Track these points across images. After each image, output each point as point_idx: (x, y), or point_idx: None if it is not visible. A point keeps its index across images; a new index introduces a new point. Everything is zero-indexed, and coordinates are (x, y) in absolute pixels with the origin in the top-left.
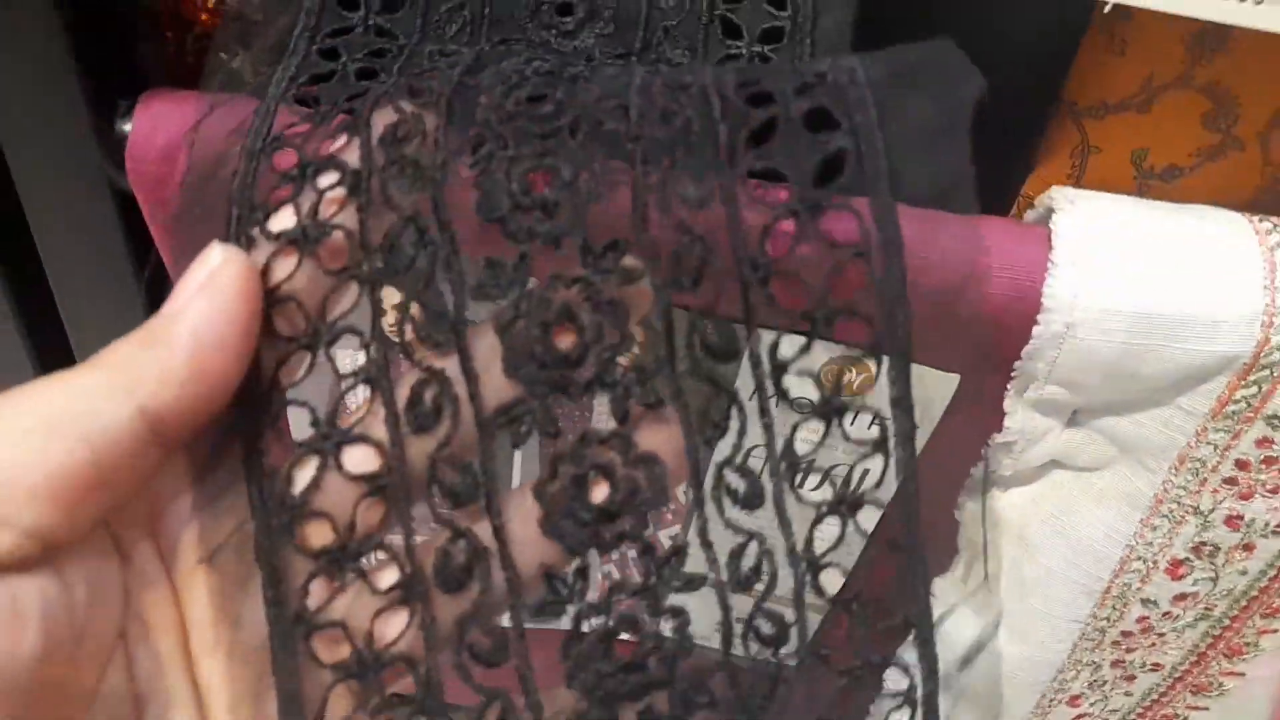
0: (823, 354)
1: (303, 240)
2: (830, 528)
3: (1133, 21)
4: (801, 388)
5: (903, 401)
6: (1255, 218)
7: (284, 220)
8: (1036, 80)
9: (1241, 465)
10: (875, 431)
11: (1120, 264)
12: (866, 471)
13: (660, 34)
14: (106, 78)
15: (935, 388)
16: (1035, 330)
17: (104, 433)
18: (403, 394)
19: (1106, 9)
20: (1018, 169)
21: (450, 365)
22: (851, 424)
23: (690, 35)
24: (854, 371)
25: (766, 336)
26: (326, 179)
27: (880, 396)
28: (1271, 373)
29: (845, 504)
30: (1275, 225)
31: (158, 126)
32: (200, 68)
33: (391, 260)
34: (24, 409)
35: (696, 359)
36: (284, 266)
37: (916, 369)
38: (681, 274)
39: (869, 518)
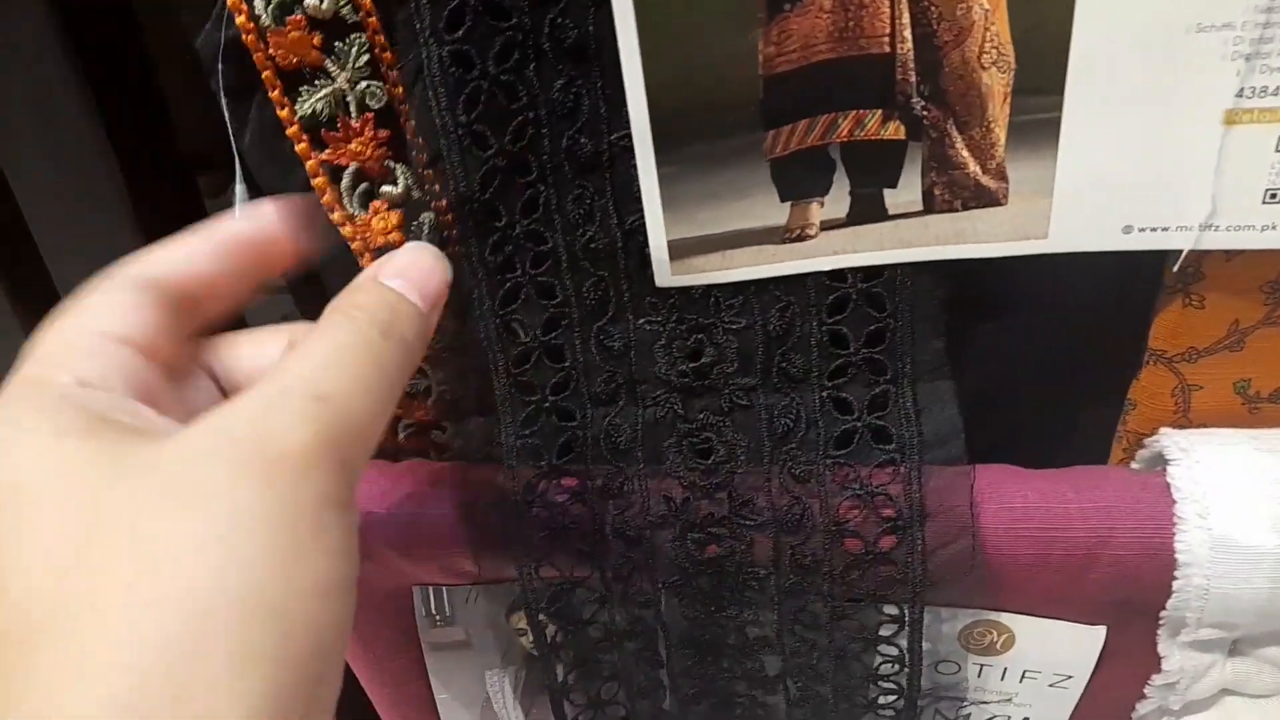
0: (965, 617)
1: None
2: None
3: (1205, 280)
4: (948, 645)
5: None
6: None
7: None
8: (1119, 338)
9: None
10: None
11: (1248, 510)
12: None
13: (778, 357)
14: None
15: (1084, 641)
16: (1175, 585)
17: None
18: None
19: (1175, 269)
20: (1113, 410)
21: None
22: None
23: (804, 352)
24: (995, 633)
25: None
26: None
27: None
28: None
29: None
30: None
31: None
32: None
33: None
34: None
35: None
36: None
37: (1063, 625)
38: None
39: None
